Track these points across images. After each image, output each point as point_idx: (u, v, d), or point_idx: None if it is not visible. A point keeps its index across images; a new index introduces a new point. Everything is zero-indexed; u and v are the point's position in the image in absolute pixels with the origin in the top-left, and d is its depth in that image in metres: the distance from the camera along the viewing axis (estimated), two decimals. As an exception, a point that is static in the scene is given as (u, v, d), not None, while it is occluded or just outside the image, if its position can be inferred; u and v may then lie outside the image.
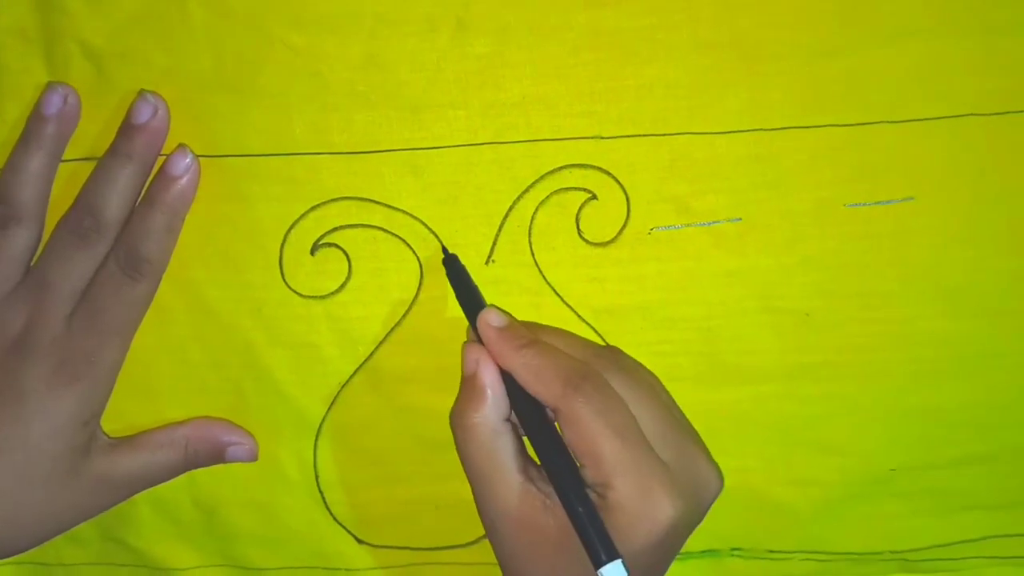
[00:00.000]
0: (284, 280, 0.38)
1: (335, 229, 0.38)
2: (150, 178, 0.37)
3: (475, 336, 0.34)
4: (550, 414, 0.33)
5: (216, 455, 0.39)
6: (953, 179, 0.37)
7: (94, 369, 0.36)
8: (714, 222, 0.37)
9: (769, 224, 0.37)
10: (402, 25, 0.36)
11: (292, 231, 0.38)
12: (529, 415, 0.33)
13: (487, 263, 0.38)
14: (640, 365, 0.36)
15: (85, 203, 0.36)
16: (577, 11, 0.36)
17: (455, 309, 0.38)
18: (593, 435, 0.30)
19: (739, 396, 0.39)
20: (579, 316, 0.38)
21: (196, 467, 0.39)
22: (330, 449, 0.40)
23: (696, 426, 0.38)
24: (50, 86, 0.36)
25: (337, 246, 0.38)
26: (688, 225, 0.37)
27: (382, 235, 0.38)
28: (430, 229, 0.38)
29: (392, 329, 0.39)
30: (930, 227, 0.37)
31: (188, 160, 0.36)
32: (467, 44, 0.36)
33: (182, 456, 0.39)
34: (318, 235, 0.38)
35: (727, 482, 0.39)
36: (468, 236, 0.38)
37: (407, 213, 0.38)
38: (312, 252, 0.38)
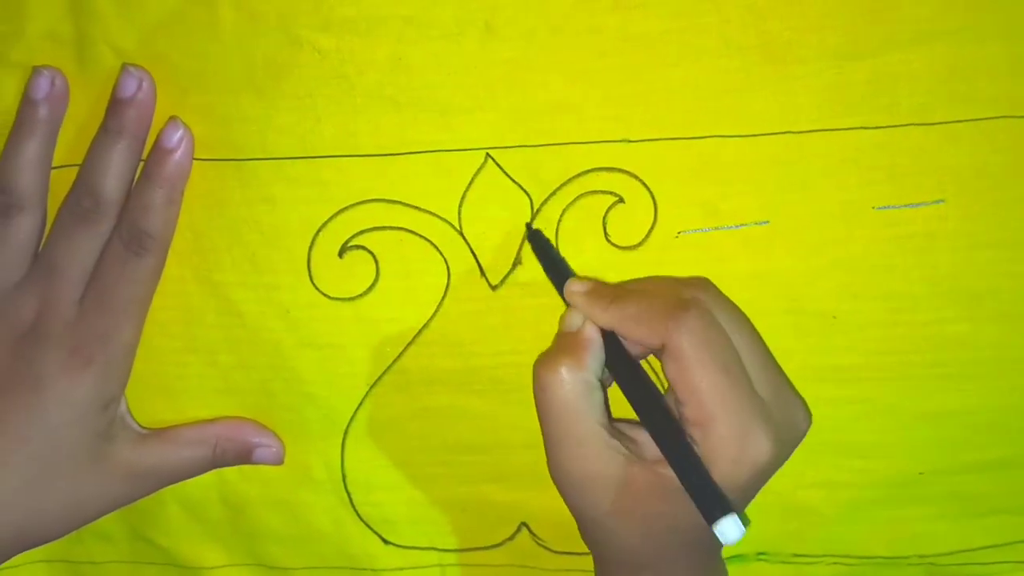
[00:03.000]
0: (312, 282, 0.38)
1: (363, 231, 0.38)
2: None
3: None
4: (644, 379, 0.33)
5: (243, 456, 0.39)
6: (982, 182, 0.37)
7: (109, 350, 0.36)
8: (742, 225, 0.37)
9: (797, 227, 0.37)
10: (429, 28, 0.36)
11: (320, 233, 0.38)
12: (627, 372, 0.32)
13: (514, 265, 0.38)
14: (729, 299, 0.35)
15: (82, 183, 0.36)
16: (605, 14, 0.36)
17: (483, 312, 0.38)
18: (697, 368, 0.30)
19: (765, 399, 0.39)
20: (606, 318, 0.38)
21: (223, 466, 0.40)
22: (357, 450, 0.40)
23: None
24: (36, 70, 0.36)
25: (365, 248, 0.38)
26: (716, 228, 0.37)
27: (409, 237, 0.38)
28: (458, 231, 0.38)
29: (420, 331, 0.39)
30: (959, 230, 0.37)
31: (180, 132, 0.36)
32: (494, 47, 0.36)
33: (210, 454, 0.39)
34: (346, 237, 0.38)
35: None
36: (495, 238, 0.38)
37: (435, 215, 0.38)
38: (340, 254, 0.38)
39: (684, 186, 0.37)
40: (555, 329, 0.38)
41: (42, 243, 0.37)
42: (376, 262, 0.38)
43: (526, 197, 0.37)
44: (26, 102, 0.36)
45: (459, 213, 0.38)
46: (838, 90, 0.36)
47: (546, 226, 0.38)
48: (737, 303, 0.38)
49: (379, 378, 0.39)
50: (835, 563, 0.41)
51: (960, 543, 0.41)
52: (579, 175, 0.37)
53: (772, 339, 0.38)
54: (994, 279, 0.38)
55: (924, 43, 0.36)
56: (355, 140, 0.37)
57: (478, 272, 0.38)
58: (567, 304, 0.35)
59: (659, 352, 0.32)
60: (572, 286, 0.34)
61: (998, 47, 0.36)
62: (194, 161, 0.37)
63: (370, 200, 0.38)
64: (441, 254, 0.38)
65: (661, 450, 0.31)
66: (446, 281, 0.38)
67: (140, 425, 0.39)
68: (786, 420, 0.32)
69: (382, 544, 0.41)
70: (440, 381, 0.39)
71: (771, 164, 0.37)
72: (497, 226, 0.38)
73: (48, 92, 0.36)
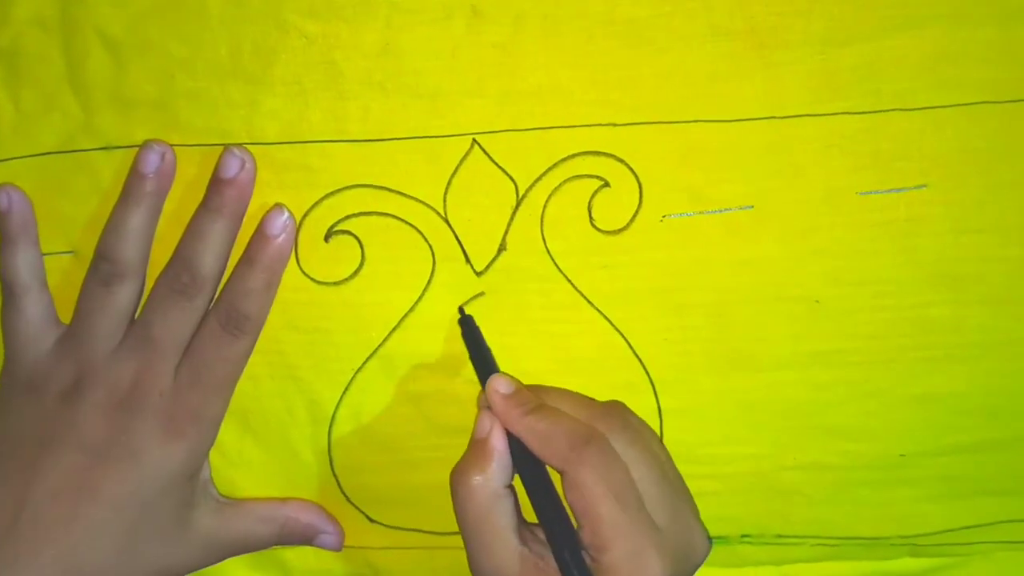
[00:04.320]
0: (299, 266, 0.38)
1: (348, 216, 0.38)
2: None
3: (485, 400, 0.35)
4: (552, 478, 0.34)
5: (306, 539, 0.40)
6: (966, 167, 0.37)
7: (200, 425, 0.37)
8: (726, 210, 0.38)
9: (781, 212, 0.37)
10: (417, 13, 0.36)
11: (306, 218, 0.38)
12: (532, 479, 0.34)
13: (499, 251, 0.38)
14: (643, 423, 0.36)
15: (181, 259, 0.37)
16: (591, -1, 0.36)
17: (467, 297, 0.38)
18: (594, 498, 0.31)
19: (750, 383, 0.39)
20: (590, 303, 0.38)
21: (284, 544, 0.41)
22: (344, 434, 0.40)
23: (706, 412, 0.39)
24: (147, 145, 0.37)
25: (351, 233, 0.38)
26: (700, 213, 0.38)
27: (395, 223, 0.38)
28: (443, 217, 0.38)
29: (405, 316, 0.39)
30: (943, 215, 0.37)
31: (285, 218, 0.37)
32: (482, 32, 0.36)
33: (277, 533, 0.40)
34: (332, 222, 0.38)
35: (738, 468, 0.40)
36: (481, 224, 0.38)
37: (420, 201, 0.38)
38: (326, 239, 0.38)
39: (669, 170, 0.37)
40: (540, 316, 0.38)
41: (138, 311, 0.38)
42: (362, 247, 0.38)
43: (511, 183, 0.38)
44: (134, 175, 0.37)
45: (444, 199, 0.38)
46: (823, 76, 0.36)
47: (532, 212, 0.38)
48: (722, 288, 0.38)
49: (364, 362, 0.39)
50: (819, 544, 0.41)
51: (943, 523, 0.41)
52: (565, 159, 0.37)
53: (756, 324, 0.38)
54: (978, 263, 0.38)
55: (909, 29, 0.36)
56: (342, 126, 0.37)
57: (463, 258, 0.38)
58: (483, 400, 0.35)
59: (561, 475, 0.33)
60: (495, 383, 0.35)
61: (982, 32, 0.36)
62: (180, 147, 0.38)
63: (356, 185, 0.38)
64: (426, 240, 0.38)
65: (555, 557, 0.32)
66: (431, 267, 0.38)
67: (218, 492, 0.40)
68: (682, 546, 0.33)
69: (368, 522, 0.42)
70: (425, 365, 0.39)
71: (756, 149, 0.37)
72: (482, 212, 0.38)
73: (157, 167, 0.37)
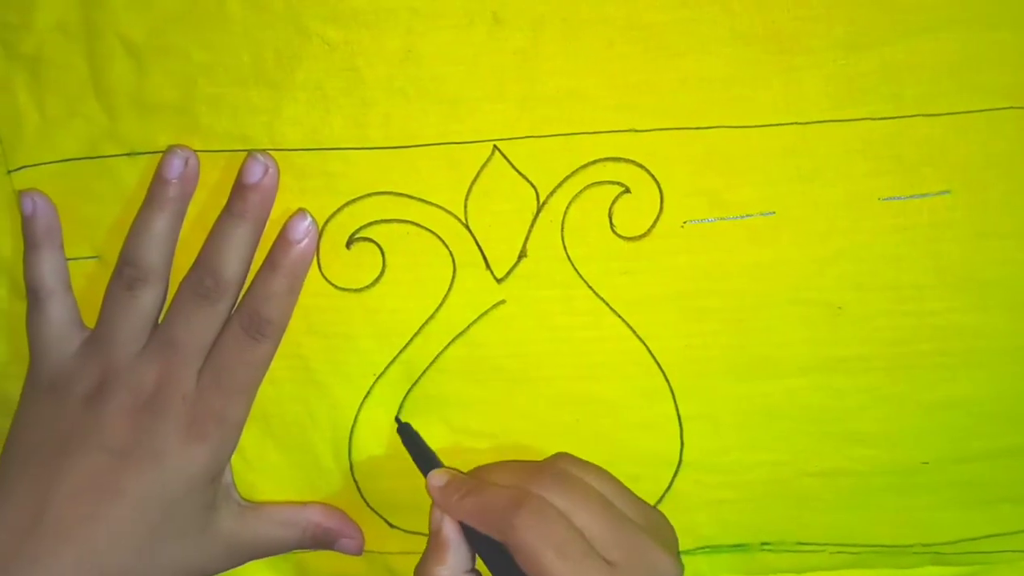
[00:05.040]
0: (321, 272, 0.39)
1: (370, 224, 0.38)
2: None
3: None
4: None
5: (327, 543, 0.41)
6: (989, 172, 0.37)
7: (222, 428, 0.37)
8: (747, 216, 0.37)
9: (803, 218, 0.37)
10: (438, 19, 0.36)
11: (328, 225, 0.38)
12: (491, 556, 0.34)
13: (520, 257, 0.38)
14: (586, 466, 0.36)
15: (204, 263, 0.37)
16: (612, 4, 0.36)
17: (487, 304, 0.38)
18: (537, 558, 0.32)
19: (770, 389, 0.39)
20: (612, 309, 0.38)
21: (305, 549, 0.41)
22: (365, 439, 0.41)
23: (726, 419, 0.39)
24: (171, 150, 0.37)
25: (372, 240, 0.38)
26: (721, 219, 0.38)
27: (416, 230, 0.38)
28: (464, 224, 0.38)
29: (426, 322, 0.39)
30: (966, 220, 0.37)
31: (307, 223, 0.37)
32: (503, 38, 0.36)
33: (298, 537, 0.40)
34: (353, 229, 0.38)
35: (758, 474, 0.40)
36: (501, 230, 0.38)
37: (441, 208, 0.38)
38: (347, 246, 0.38)
39: (690, 176, 0.37)
40: (560, 322, 0.38)
41: (161, 315, 0.38)
42: (383, 254, 0.38)
43: (532, 189, 0.38)
44: (158, 180, 0.37)
45: (465, 206, 0.38)
46: (844, 81, 0.36)
47: (552, 218, 0.38)
48: (742, 294, 0.38)
49: (386, 368, 0.40)
50: (839, 551, 0.41)
51: (965, 531, 0.41)
52: (585, 165, 0.37)
53: (777, 330, 0.38)
54: (1001, 268, 0.38)
55: (931, 33, 0.36)
56: (364, 132, 0.37)
57: (484, 265, 0.38)
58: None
59: (505, 544, 0.33)
60: (431, 479, 0.36)
61: (1005, 37, 0.36)
62: (203, 152, 0.38)
63: (377, 192, 0.38)
64: (447, 247, 0.38)
65: None
66: (452, 273, 0.39)
67: (240, 496, 0.40)
68: (644, 574, 0.33)
69: (388, 527, 0.42)
70: (446, 371, 0.39)
71: (777, 155, 0.37)
72: (503, 219, 0.38)
73: (181, 172, 0.37)
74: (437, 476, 0.36)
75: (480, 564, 0.35)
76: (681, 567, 0.34)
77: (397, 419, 0.39)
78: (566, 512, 0.33)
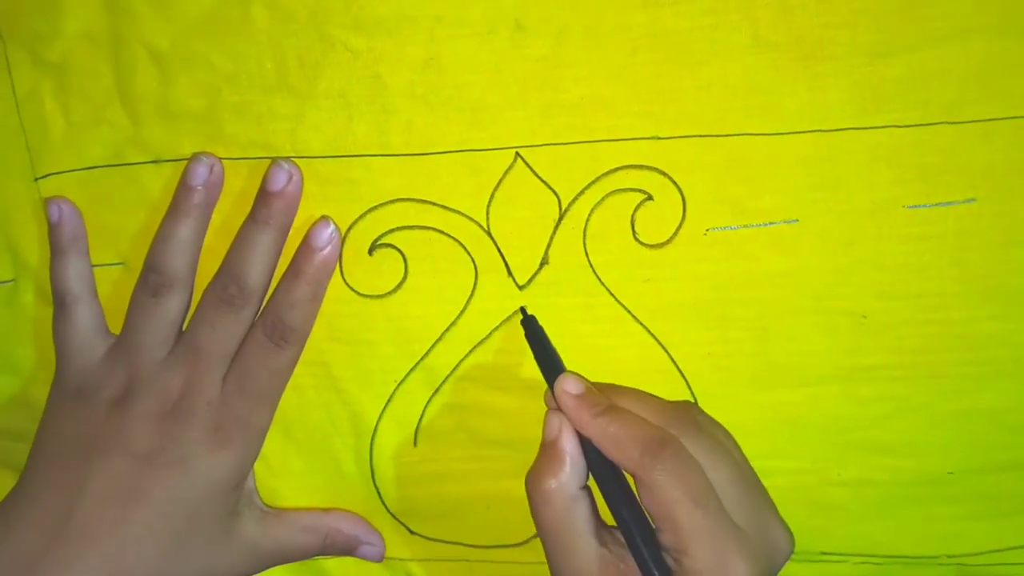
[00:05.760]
0: (343, 279, 0.39)
1: (392, 230, 0.38)
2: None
3: (553, 399, 0.35)
4: (627, 478, 0.33)
5: (348, 549, 0.41)
6: (1015, 180, 0.36)
7: (247, 433, 0.38)
8: (770, 223, 0.37)
9: (826, 226, 0.37)
10: (460, 27, 0.36)
11: (350, 232, 0.38)
12: (607, 480, 0.33)
13: (542, 264, 0.38)
14: (715, 423, 0.36)
15: (229, 270, 0.38)
16: (635, 12, 0.36)
17: (509, 311, 0.38)
18: (671, 503, 0.31)
19: (794, 397, 0.39)
20: (633, 316, 0.38)
21: (326, 555, 0.41)
22: (386, 445, 0.41)
23: (749, 427, 0.39)
24: (196, 157, 0.38)
25: (394, 247, 0.38)
26: (744, 226, 0.37)
27: (438, 236, 0.38)
28: (486, 231, 0.38)
29: (448, 328, 0.39)
30: (991, 228, 0.37)
31: (331, 230, 0.38)
32: (525, 45, 0.36)
33: (320, 543, 0.40)
34: (376, 236, 0.38)
35: (781, 483, 0.39)
36: (523, 237, 0.38)
37: (463, 215, 0.38)
38: (370, 252, 0.38)
39: (713, 184, 0.37)
40: (582, 329, 0.38)
41: (186, 322, 0.38)
42: (405, 261, 0.38)
43: (554, 196, 0.38)
44: (183, 187, 0.38)
45: (487, 213, 0.38)
46: (869, 88, 0.36)
47: (574, 225, 0.38)
48: (765, 301, 0.38)
49: (407, 374, 0.40)
50: (863, 562, 0.41)
51: (990, 543, 0.41)
52: (608, 173, 0.37)
53: (800, 339, 0.38)
54: (1026, 277, 0.37)
55: (956, 40, 0.35)
56: (386, 139, 0.37)
57: (506, 271, 0.38)
58: (550, 399, 0.35)
59: (634, 478, 0.32)
60: (564, 384, 0.34)
61: (1030, 44, 0.36)
62: (227, 160, 0.38)
63: (400, 199, 0.38)
64: (469, 254, 0.38)
65: (635, 560, 0.32)
66: (474, 280, 0.39)
67: (263, 502, 0.40)
68: (765, 545, 0.33)
69: (408, 534, 0.42)
70: (467, 378, 0.39)
71: (801, 162, 0.37)
72: (525, 226, 0.38)
73: (206, 179, 0.38)
74: (572, 382, 0.34)
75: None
76: (794, 544, 0.34)
77: (522, 309, 0.38)
78: (702, 464, 0.32)
